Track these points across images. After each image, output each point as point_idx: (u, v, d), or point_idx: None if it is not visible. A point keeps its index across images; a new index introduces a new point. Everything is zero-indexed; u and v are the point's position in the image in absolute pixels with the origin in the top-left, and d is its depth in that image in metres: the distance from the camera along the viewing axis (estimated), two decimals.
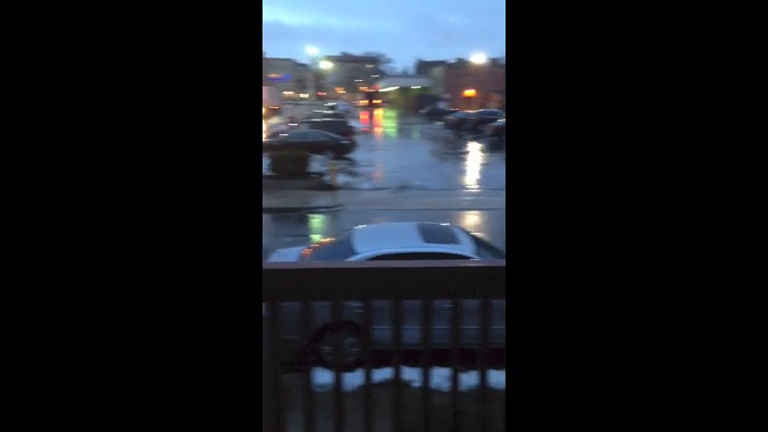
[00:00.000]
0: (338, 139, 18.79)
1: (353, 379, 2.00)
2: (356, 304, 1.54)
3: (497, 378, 1.92)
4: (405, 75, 79.36)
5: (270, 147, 16.91)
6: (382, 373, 1.68)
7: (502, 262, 3.02)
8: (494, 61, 55.45)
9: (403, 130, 35.29)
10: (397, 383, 1.59)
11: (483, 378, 1.65)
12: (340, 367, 1.62)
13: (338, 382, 1.59)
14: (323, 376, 2.65)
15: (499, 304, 1.58)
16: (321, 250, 5.91)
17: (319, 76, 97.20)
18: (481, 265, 2.44)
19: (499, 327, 1.62)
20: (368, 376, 1.58)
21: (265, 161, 14.26)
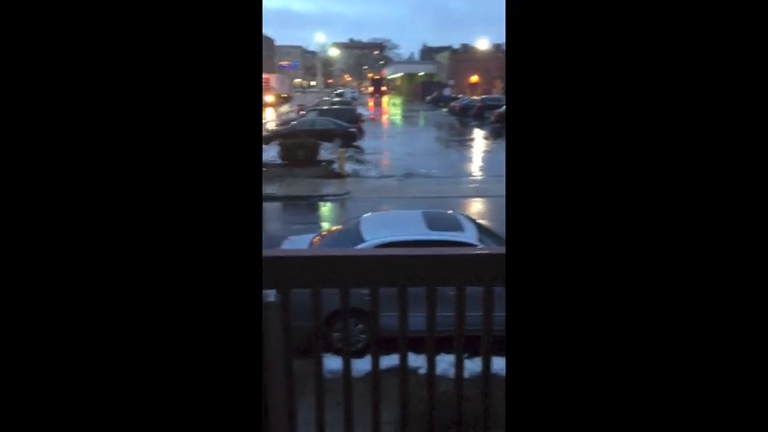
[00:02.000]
0: (346, 127, 18.79)
1: (363, 365, 2.05)
2: (364, 291, 1.59)
3: (500, 365, 1.97)
4: (410, 61, 78.65)
5: (280, 135, 17.02)
6: (390, 360, 1.73)
7: (504, 249, 3.05)
8: (497, 47, 54.74)
9: (409, 117, 35.13)
10: (403, 371, 1.64)
11: (486, 365, 1.70)
12: (349, 353, 1.67)
13: (347, 368, 1.64)
14: (333, 362, 2.72)
15: (501, 292, 1.62)
16: (330, 238, 5.97)
17: (327, 63, 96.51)
18: (484, 252, 2.47)
19: (501, 314, 1.66)
20: (375, 363, 1.63)
21: (275, 149, 14.36)
